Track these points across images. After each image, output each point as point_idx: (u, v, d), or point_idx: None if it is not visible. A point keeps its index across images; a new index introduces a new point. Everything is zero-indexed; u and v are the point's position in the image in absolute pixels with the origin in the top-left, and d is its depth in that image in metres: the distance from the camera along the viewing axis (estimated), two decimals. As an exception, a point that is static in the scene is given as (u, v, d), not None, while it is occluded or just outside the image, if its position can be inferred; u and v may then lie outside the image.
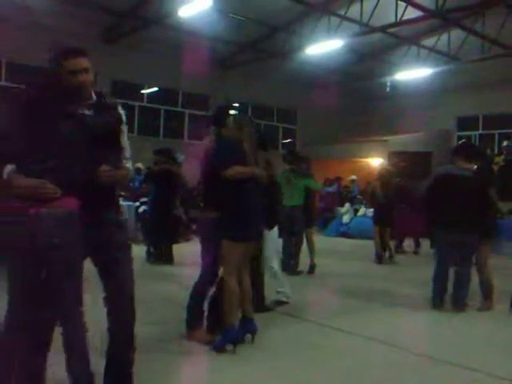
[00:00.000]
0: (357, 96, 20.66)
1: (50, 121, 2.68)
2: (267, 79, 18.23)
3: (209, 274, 4.42)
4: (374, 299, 6.48)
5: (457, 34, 15.94)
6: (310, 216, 8.29)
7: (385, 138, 17.96)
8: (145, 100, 17.27)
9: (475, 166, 6.04)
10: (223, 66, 18.04)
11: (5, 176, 2.60)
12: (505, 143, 16.17)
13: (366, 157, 17.92)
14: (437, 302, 5.91)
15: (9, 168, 2.64)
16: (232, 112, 4.71)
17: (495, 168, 15.20)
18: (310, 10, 15.39)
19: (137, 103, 17.05)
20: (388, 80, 18.62)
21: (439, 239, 6.13)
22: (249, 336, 4.38)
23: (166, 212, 9.08)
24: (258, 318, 4.55)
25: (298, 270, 7.99)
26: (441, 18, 14.93)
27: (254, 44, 17.14)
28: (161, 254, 8.95)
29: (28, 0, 12.51)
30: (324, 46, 14.99)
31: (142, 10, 14.34)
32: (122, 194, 12.60)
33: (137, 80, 16.66)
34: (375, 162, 17.60)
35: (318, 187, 9.90)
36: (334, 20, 15.22)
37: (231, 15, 14.85)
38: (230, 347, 4.16)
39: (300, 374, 3.81)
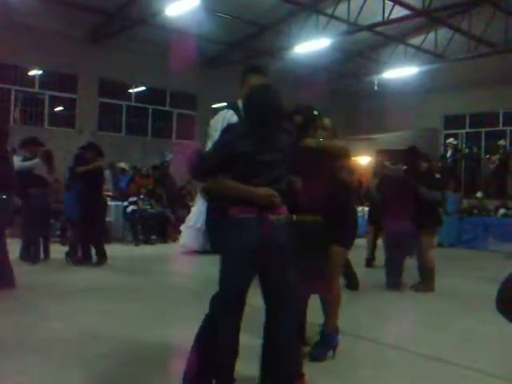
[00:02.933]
0: (344, 94, 20.70)
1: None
2: (255, 78, 18.21)
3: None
4: (353, 299, 6.53)
5: (443, 33, 16.02)
6: None
7: (372, 137, 18.03)
8: (132, 99, 17.18)
9: (404, 167, 7.30)
10: (211, 66, 18.00)
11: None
12: (502, 142, 16.24)
13: (354, 155, 17.95)
14: (389, 284, 6.99)
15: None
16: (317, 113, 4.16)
17: (492, 166, 15.38)
18: (297, 9, 15.40)
19: (124, 102, 16.98)
20: (375, 78, 18.68)
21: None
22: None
23: (94, 210, 8.59)
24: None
25: None
26: (427, 17, 15.00)
27: (242, 43, 17.11)
28: (89, 255, 8.50)
29: (14, 0, 12.39)
30: (312, 45, 15.00)
31: (129, 10, 14.25)
32: (110, 194, 12.58)
33: (124, 79, 16.58)
34: (363, 160, 17.66)
35: None
36: (322, 19, 15.24)
37: (219, 14, 14.81)
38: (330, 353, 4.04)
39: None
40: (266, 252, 2.90)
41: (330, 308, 4.10)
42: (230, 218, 2.92)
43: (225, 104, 3.40)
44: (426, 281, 6.93)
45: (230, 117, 3.16)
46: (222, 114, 3.24)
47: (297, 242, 3.73)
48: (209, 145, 3.18)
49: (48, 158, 8.22)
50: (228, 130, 3.03)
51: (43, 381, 3.54)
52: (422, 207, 6.70)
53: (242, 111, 3.13)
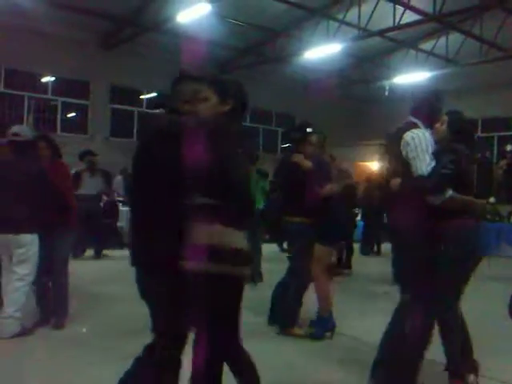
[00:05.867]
0: (355, 100, 20.70)
1: None
2: (266, 83, 18.26)
3: (305, 277, 4.82)
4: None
5: (455, 38, 15.98)
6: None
7: (383, 142, 17.95)
8: (144, 105, 17.29)
9: None
10: (222, 71, 18.07)
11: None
12: (509, 148, 16.09)
13: (365, 160, 17.93)
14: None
15: None
16: (310, 130, 4.96)
17: (499, 172, 15.27)
18: (308, 15, 15.43)
19: (136, 109, 17.08)
20: (386, 84, 18.65)
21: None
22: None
23: None
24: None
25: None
26: (439, 22, 14.98)
27: (253, 48, 17.17)
28: None
29: (27, 7, 12.52)
30: (322, 51, 15.03)
31: (141, 16, 14.37)
32: (121, 199, 12.63)
33: (136, 85, 16.69)
34: (374, 165, 17.62)
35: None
36: (333, 24, 15.27)
37: (230, 20, 14.88)
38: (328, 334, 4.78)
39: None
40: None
41: (320, 295, 4.86)
42: (462, 227, 3.41)
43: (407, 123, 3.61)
44: None
45: (429, 136, 3.42)
46: (418, 133, 3.40)
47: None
48: (417, 164, 3.31)
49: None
50: (451, 152, 3.44)
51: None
52: None
53: (452, 133, 3.62)
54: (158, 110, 2.73)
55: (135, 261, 2.51)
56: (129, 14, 14.50)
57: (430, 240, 3.34)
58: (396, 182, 3.44)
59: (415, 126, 3.51)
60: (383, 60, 18.61)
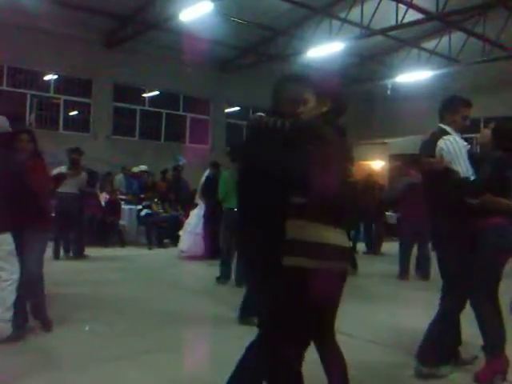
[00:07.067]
0: (357, 98, 20.64)
1: None
2: (269, 83, 17.91)
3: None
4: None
5: (457, 37, 15.94)
6: None
7: (385, 141, 17.94)
8: (146, 104, 17.29)
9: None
10: (225, 70, 18.07)
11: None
12: None
13: (367, 159, 17.91)
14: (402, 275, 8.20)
15: None
16: None
17: None
18: (311, 14, 15.42)
19: (138, 107, 17.09)
20: (389, 83, 18.61)
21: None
22: None
23: None
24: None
25: None
26: (441, 21, 14.95)
27: (256, 47, 17.16)
28: None
29: (30, 5, 12.54)
30: (325, 49, 15.00)
31: (143, 14, 14.36)
32: (124, 197, 12.67)
33: (138, 84, 16.70)
34: (376, 164, 17.61)
35: None
36: (335, 23, 15.24)
37: (232, 19, 14.87)
38: None
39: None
40: None
41: None
42: (496, 225, 3.59)
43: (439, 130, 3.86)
44: (424, 269, 8.04)
45: (460, 141, 3.72)
46: (450, 138, 3.71)
47: None
48: (456, 167, 3.61)
49: None
50: (490, 160, 3.69)
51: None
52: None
53: (495, 139, 3.78)
54: (262, 114, 2.79)
55: (242, 259, 2.66)
56: (131, 12, 14.50)
57: (469, 236, 3.63)
58: (429, 160, 3.75)
59: (445, 132, 3.80)
60: (385, 59, 18.58)
